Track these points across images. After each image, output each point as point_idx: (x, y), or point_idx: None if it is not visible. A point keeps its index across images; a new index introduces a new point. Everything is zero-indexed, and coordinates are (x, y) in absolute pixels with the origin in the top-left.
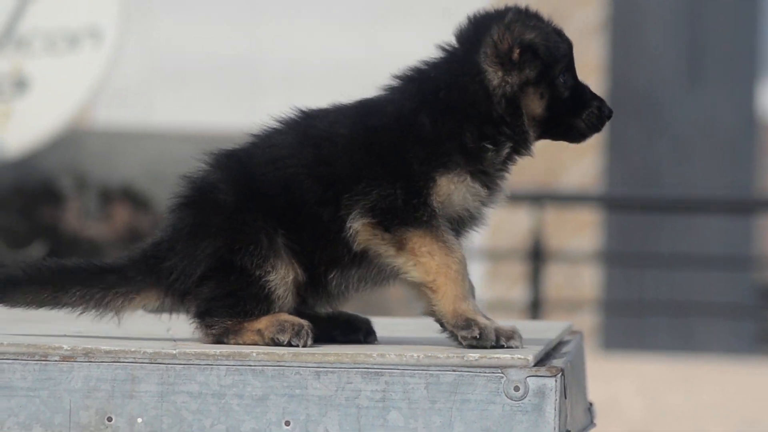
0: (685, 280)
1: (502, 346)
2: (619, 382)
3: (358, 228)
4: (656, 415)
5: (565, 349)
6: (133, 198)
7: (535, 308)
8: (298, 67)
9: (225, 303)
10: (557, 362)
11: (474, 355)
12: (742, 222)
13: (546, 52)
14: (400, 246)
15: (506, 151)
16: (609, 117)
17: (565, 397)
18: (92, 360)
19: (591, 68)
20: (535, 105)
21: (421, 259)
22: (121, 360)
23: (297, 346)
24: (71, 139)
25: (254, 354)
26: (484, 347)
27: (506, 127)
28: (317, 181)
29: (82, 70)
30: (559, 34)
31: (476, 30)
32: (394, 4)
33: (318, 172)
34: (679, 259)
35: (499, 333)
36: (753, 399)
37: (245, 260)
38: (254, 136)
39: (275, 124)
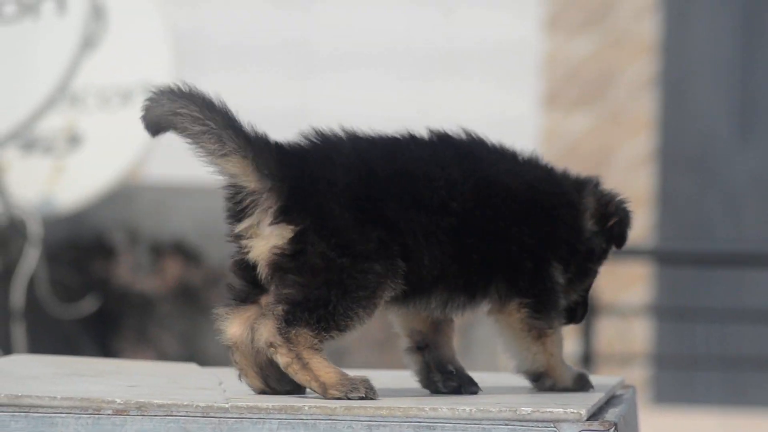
0: (738, 333)
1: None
2: None
3: (512, 309)
4: None
5: (618, 404)
6: (185, 252)
7: (587, 362)
8: (350, 120)
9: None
10: (610, 416)
11: (526, 409)
12: None
13: (621, 237)
14: (539, 335)
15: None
16: (580, 322)
17: None
18: (145, 414)
19: (642, 123)
20: (591, 274)
21: (549, 348)
22: (174, 413)
23: (373, 398)
24: (123, 194)
25: (306, 408)
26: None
27: (576, 270)
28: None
29: (136, 125)
30: None
31: (579, 180)
32: (445, 58)
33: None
34: (731, 313)
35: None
36: None
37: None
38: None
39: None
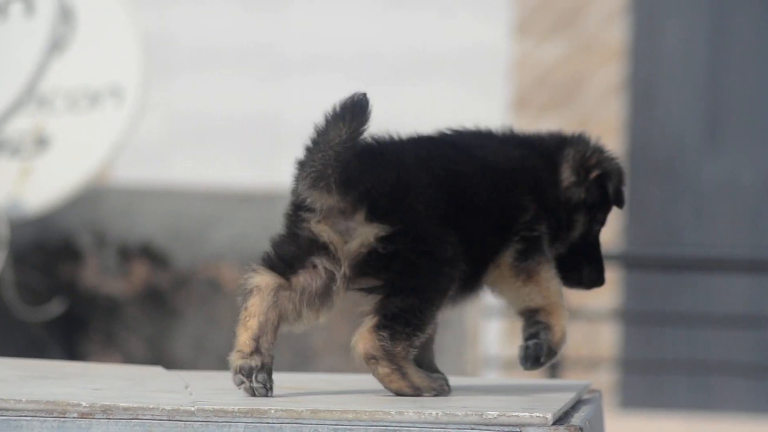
0: (705, 338)
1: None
2: None
3: (503, 260)
4: None
5: (584, 408)
6: (152, 255)
7: (554, 366)
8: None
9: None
10: (576, 421)
11: (492, 413)
12: (763, 281)
13: (613, 193)
14: (528, 276)
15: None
16: (598, 284)
17: None
18: (110, 417)
19: (611, 127)
20: (578, 228)
21: (543, 284)
22: (140, 417)
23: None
24: (91, 197)
25: (272, 411)
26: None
27: (555, 221)
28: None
29: (104, 128)
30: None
31: (562, 136)
32: (416, 63)
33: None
34: (699, 318)
35: None
36: None
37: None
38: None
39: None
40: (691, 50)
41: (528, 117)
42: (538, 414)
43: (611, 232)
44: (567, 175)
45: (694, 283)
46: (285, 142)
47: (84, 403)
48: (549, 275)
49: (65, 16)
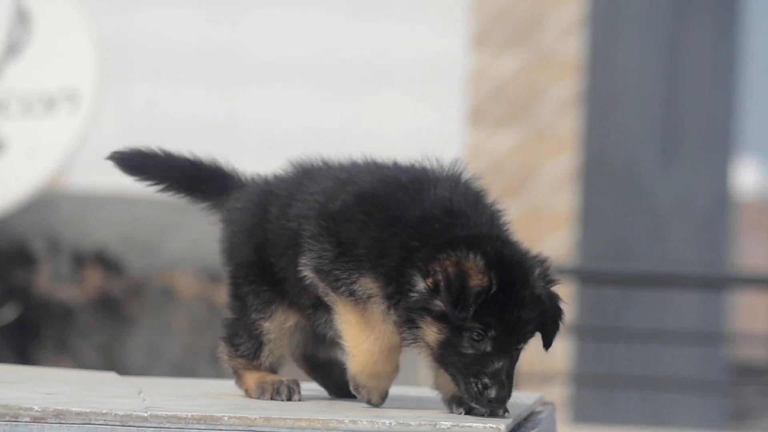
0: (658, 354)
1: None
2: None
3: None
4: None
5: (536, 420)
6: (106, 262)
7: None
8: (273, 131)
9: (228, 333)
10: None
11: (446, 423)
12: (715, 298)
13: (448, 299)
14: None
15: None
16: (495, 405)
17: None
18: (63, 421)
19: (567, 141)
20: (429, 335)
21: (342, 325)
22: (92, 422)
23: (283, 400)
24: (45, 202)
25: (225, 418)
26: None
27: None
28: None
29: (58, 133)
30: (512, 302)
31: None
32: (373, 73)
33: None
34: (651, 334)
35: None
36: None
37: (251, 301)
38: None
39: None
40: (648, 65)
41: (484, 130)
42: (491, 425)
43: (565, 246)
44: (418, 279)
45: (648, 299)
46: (242, 152)
47: (36, 408)
48: (347, 310)
49: (21, 19)
